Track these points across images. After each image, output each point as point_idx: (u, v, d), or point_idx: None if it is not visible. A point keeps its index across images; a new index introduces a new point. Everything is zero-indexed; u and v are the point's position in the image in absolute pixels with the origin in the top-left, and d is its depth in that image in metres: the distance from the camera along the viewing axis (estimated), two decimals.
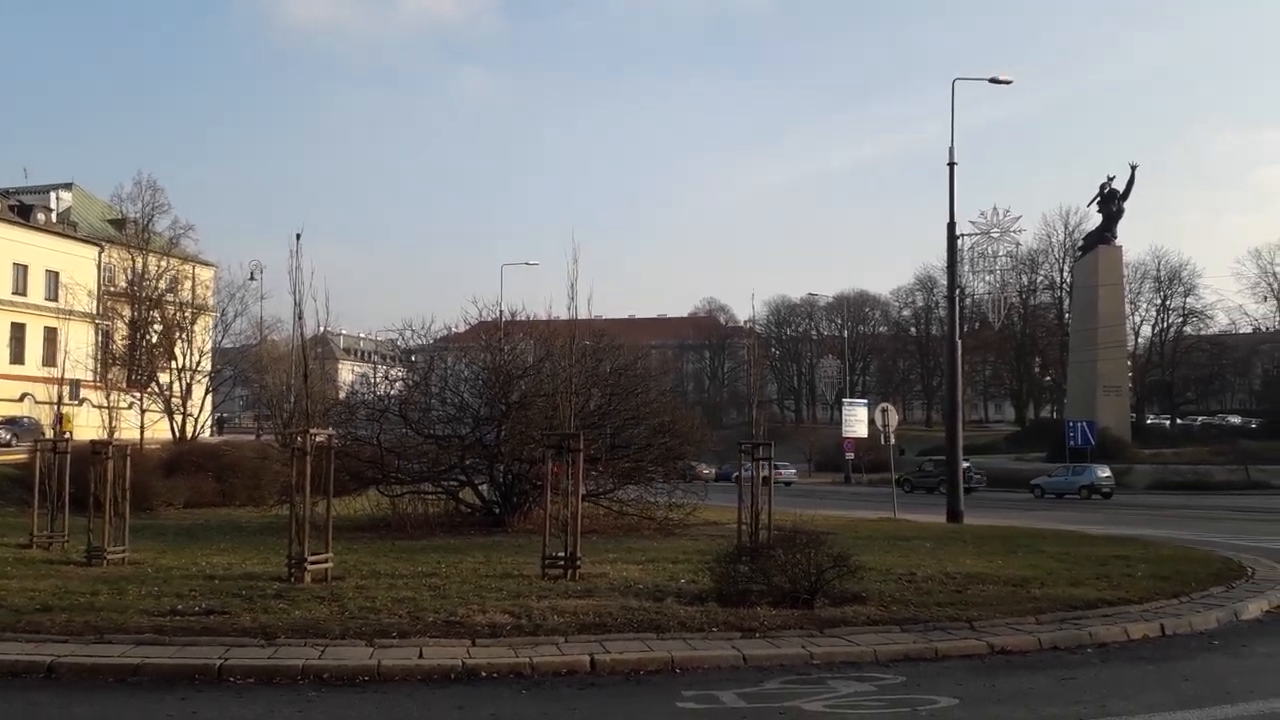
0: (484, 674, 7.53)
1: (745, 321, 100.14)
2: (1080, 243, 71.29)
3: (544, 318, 21.81)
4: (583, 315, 15.74)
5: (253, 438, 42.04)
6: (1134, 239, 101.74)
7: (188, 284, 50.36)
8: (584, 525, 12.41)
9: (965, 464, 49.90)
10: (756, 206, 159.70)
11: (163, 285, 47.70)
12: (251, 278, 47.22)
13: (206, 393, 42.20)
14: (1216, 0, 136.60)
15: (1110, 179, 62.03)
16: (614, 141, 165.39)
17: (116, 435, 17.05)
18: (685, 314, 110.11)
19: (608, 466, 19.04)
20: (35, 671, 7.48)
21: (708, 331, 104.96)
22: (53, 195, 57.58)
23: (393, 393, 22.23)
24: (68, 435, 16.95)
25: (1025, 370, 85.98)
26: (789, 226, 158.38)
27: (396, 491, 19.30)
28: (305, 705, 6.79)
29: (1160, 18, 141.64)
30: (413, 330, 22.98)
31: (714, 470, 36.17)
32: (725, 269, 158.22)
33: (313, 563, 10.92)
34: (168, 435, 36.47)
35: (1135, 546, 16.11)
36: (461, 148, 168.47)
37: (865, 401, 41.36)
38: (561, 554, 11.47)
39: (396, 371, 25.64)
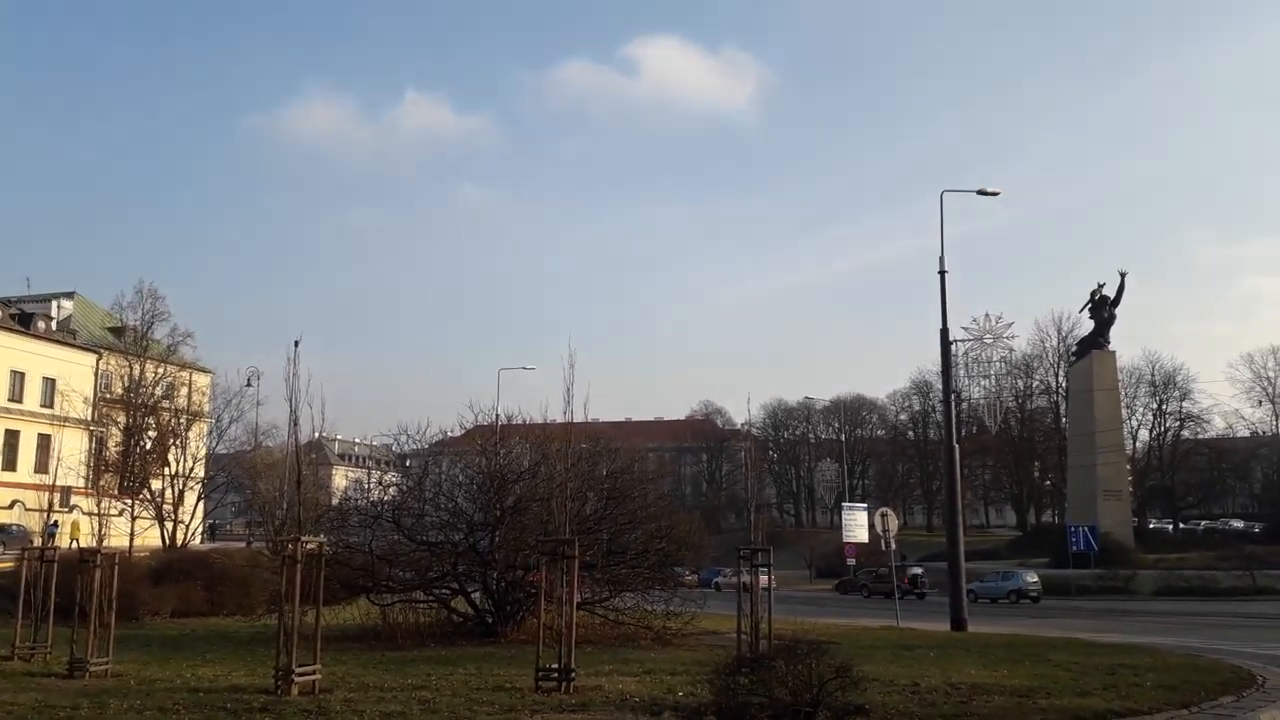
0: None
1: (742, 424, 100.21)
2: (1074, 348, 71.84)
3: (540, 421, 21.81)
4: (579, 418, 15.75)
5: (243, 545, 41.46)
6: (1127, 344, 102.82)
7: (184, 390, 50.47)
8: (579, 635, 12.14)
9: (917, 570, 50.99)
10: (752, 312, 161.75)
11: (159, 392, 47.83)
12: (248, 384, 47.44)
13: (199, 500, 41.84)
14: (1195, 119, 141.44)
15: (1101, 285, 62.84)
16: (610, 249, 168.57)
17: (106, 542, 16.79)
18: (682, 417, 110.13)
19: (604, 573, 18.75)
20: None
21: (705, 435, 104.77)
22: (54, 304, 58.22)
23: (386, 498, 22.03)
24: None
25: (1025, 474, 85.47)
26: (785, 331, 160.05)
27: (388, 600, 18.96)
28: None
29: (1141, 132, 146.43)
30: (408, 435, 22.96)
31: (695, 576, 35.43)
32: (722, 372, 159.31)
33: (300, 675, 10.64)
34: (157, 542, 35.98)
35: (1143, 655, 15.77)
36: (459, 257, 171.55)
37: (865, 506, 40.87)
38: (555, 665, 11.18)
39: (391, 476, 25.48)
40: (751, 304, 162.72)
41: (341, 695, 10.62)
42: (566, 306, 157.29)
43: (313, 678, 10.82)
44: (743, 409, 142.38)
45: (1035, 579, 45.59)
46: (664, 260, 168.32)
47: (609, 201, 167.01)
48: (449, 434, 24.62)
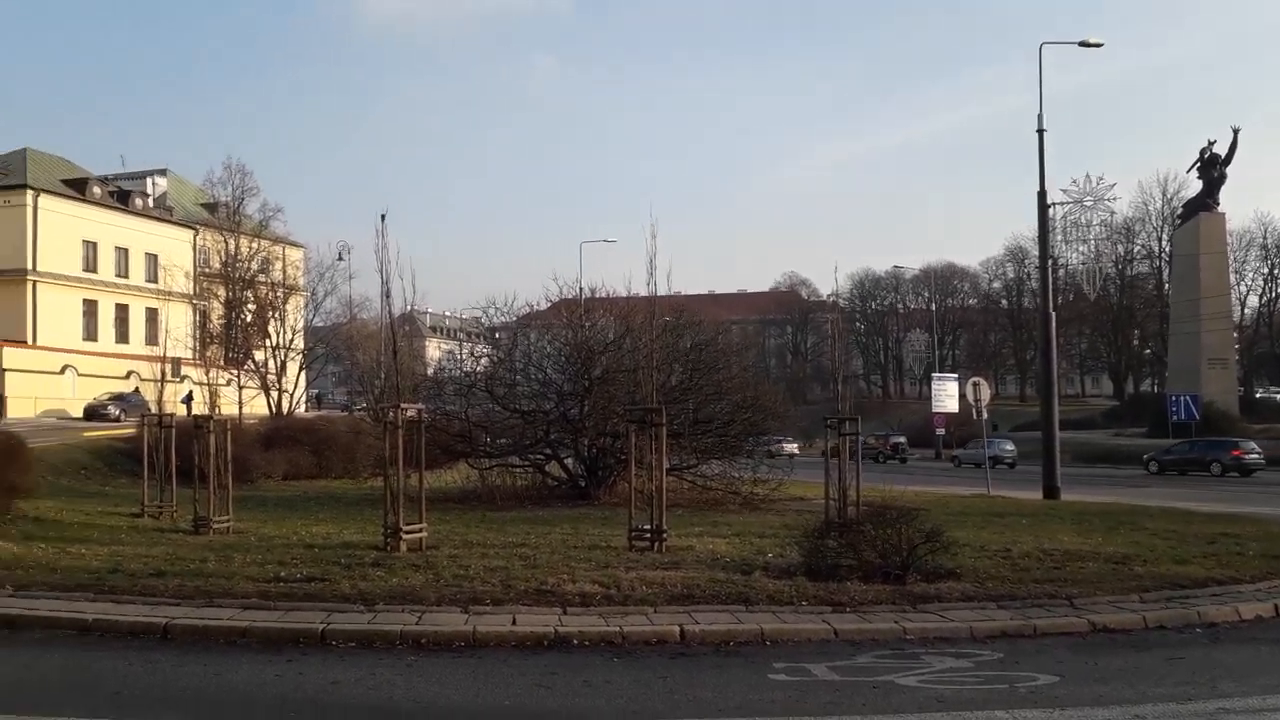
0: (575, 642, 7.63)
1: (828, 295, 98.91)
2: (1180, 210, 68.17)
3: (624, 294, 21.87)
4: (662, 291, 15.76)
5: (344, 412, 43.22)
6: (1238, 206, 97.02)
7: (278, 264, 51.75)
8: (668, 499, 12.45)
9: (901, 439, 53.08)
10: (837, 180, 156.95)
11: (255, 266, 49.13)
12: (340, 258, 48.39)
13: (300, 370, 43.49)
14: None
15: (1211, 143, 58.98)
16: (692, 118, 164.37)
17: (216, 411, 17.67)
18: (766, 289, 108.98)
19: (690, 441, 19.05)
20: (152, 632, 7.86)
21: (789, 306, 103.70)
22: (149, 181, 59.70)
23: (479, 369, 22.61)
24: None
25: (1123, 343, 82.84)
26: (871, 199, 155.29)
27: (485, 464, 19.69)
28: (405, 669, 6.97)
29: None
30: (496, 308, 23.36)
31: None
32: (806, 243, 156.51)
33: (407, 532, 11.21)
34: (264, 411, 37.75)
35: (1245, 524, 15.45)
36: (539, 130, 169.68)
37: (955, 376, 40.26)
38: (647, 527, 11.52)
39: (482, 348, 26.01)
40: (837, 169, 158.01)
41: (447, 551, 11.16)
42: (648, 178, 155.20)
43: (419, 535, 11.39)
44: (828, 280, 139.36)
45: (1011, 447, 47.51)
46: (747, 125, 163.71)
47: (687, 67, 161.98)
48: (535, 307, 24.90)
